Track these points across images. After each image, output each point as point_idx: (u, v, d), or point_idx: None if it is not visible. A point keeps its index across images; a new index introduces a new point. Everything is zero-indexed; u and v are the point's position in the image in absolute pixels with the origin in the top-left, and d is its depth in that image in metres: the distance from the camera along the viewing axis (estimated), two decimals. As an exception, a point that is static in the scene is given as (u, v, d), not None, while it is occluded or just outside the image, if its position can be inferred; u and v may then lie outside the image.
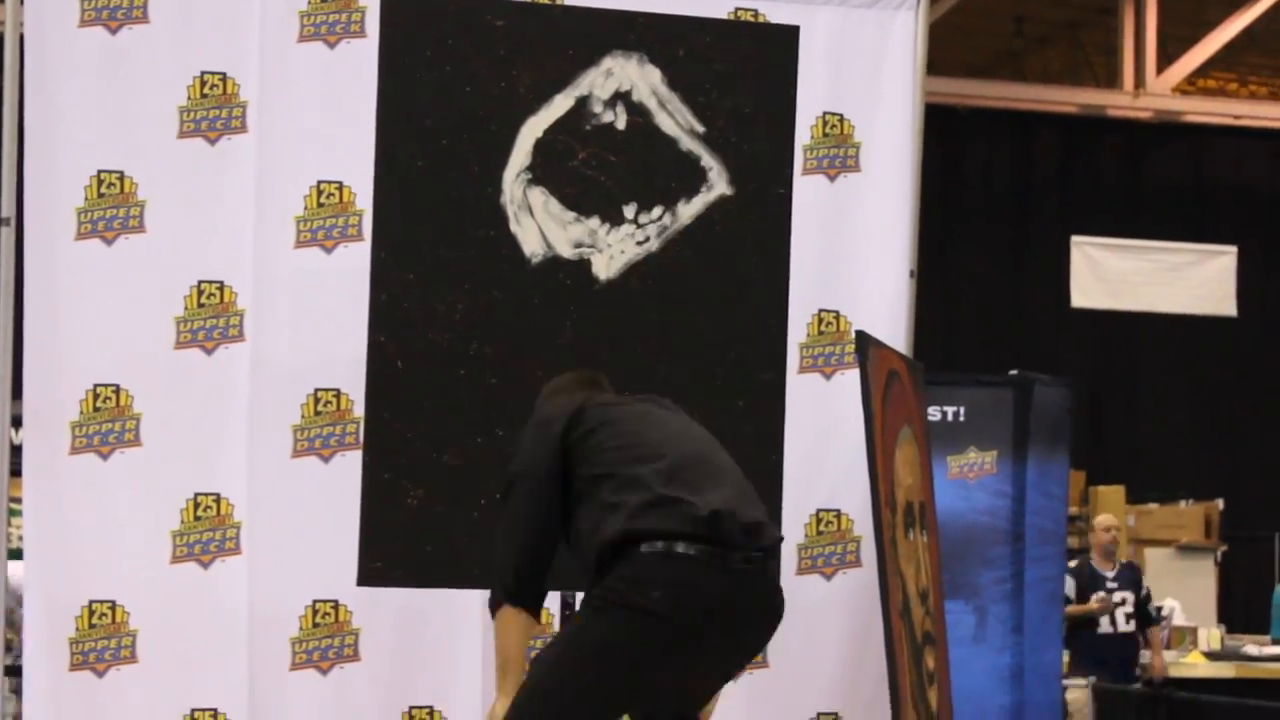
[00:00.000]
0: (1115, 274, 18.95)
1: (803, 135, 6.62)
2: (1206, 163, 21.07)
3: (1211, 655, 13.13)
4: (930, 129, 6.93)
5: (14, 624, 7.07)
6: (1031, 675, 8.81)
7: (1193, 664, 12.73)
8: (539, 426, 5.18)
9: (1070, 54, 22.57)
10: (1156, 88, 20.35)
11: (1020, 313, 20.41)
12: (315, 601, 6.28)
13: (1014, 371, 9.48)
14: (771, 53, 6.41)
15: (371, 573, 6.00)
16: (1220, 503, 17.90)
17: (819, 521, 6.68)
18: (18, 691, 6.83)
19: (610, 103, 6.24)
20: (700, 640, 4.82)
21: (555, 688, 4.80)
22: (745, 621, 4.91)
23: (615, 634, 4.80)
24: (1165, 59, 20.68)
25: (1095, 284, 18.89)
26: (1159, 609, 13.51)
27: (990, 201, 20.70)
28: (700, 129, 6.32)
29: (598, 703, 4.84)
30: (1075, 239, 19.05)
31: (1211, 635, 13.97)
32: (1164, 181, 20.96)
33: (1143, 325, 20.02)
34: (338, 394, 6.29)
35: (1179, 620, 14.29)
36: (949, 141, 18.92)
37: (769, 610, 4.98)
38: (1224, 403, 20.49)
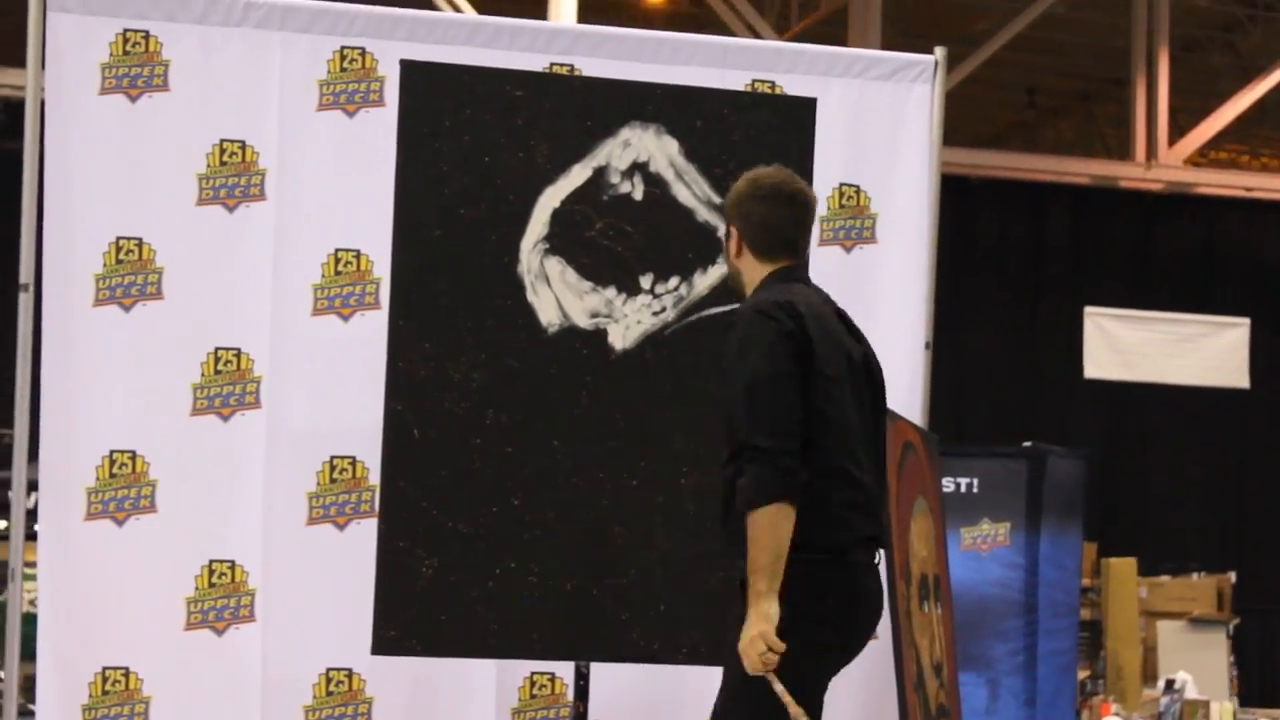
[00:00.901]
0: (1128, 345, 18.94)
1: (819, 206, 6.62)
2: (1218, 234, 21.09)
3: (1224, 729, 13.06)
4: (943, 199, 6.95)
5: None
6: (1044, 748, 8.79)
7: (1205, 738, 12.67)
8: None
9: (1082, 125, 22.65)
10: (1168, 159, 20.38)
11: (1033, 383, 20.39)
12: (329, 669, 6.28)
13: (1028, 443, 9.48)
14: (789, 124, 6.44)
15: (386, 641, 5.99)
16: (1233, 575, 17.84)
17: (833, 593, 6.66)
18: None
19: (628, 173, 6.27)
20: None
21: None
22: None
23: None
24: (1177, 131, 20.74)
25: (1108, 355, 18.87)
26: (1170, 681, 13.46)
27: (1002, 271, 20.71)
28: (717, 200, 6.33)
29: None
30: (1088, 310, 19.05)
31: (1224, 709, 13.89)
32: (1176, 253, 20.97)
33: (1155, 396, 20.00)
34: (353, 461, 6.30)
35: (1191, 694, 14.21)
36: (961, 211, 18.94)
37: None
38: (1236, 474, 20.45)
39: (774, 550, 4.78)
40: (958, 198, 17.93)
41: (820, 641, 4.98)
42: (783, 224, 5.18)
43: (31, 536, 6.40)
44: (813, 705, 4.96)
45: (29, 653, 6.38)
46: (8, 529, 9.74)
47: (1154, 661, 16.43)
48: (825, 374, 4.96)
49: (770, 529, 4.78)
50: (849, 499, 4.97)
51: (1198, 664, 15.39)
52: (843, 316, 5.22)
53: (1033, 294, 20.73)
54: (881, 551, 5.17)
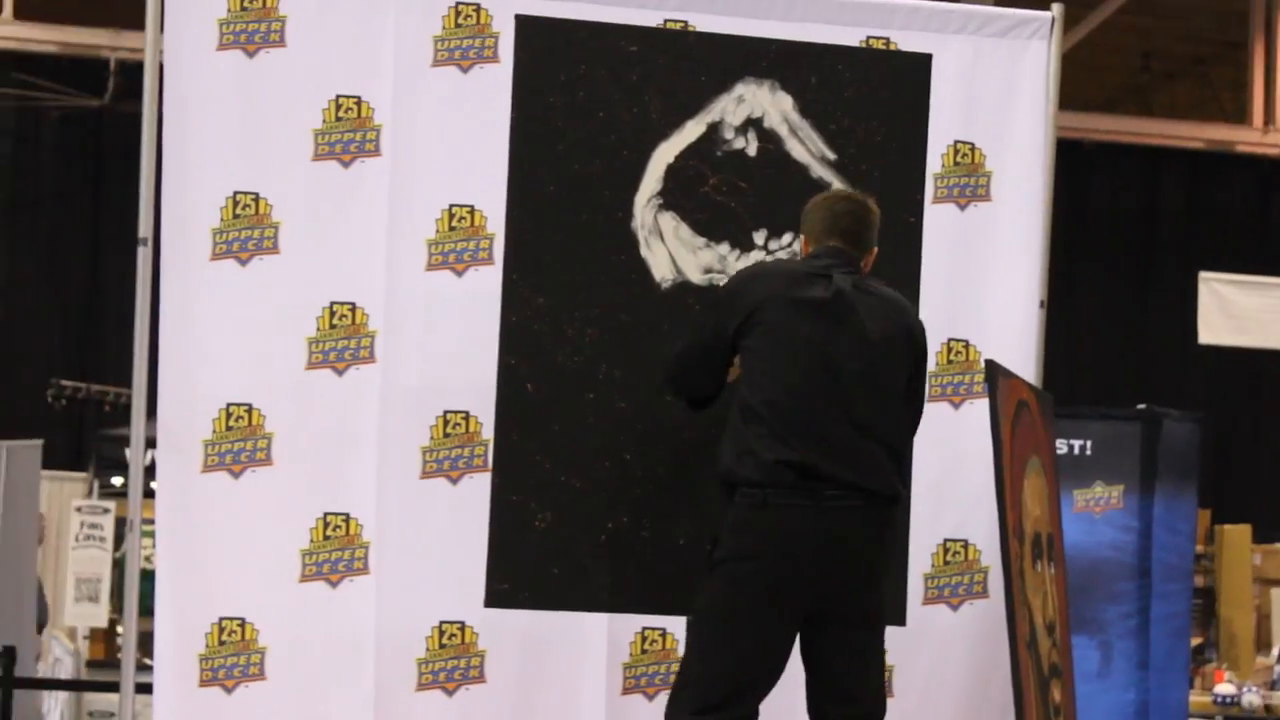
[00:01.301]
0: (1243, 310, 18.74)
1: (934, 164, 6.60)
2: (1337, 199, 20.85)
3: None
4: (1056, 163, 6.89)
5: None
6: (1157, 713, 8.71)
7: (1319, 704, 12.55)
8: None
9: (1198, 89, 22.41)
10: (1286, 124, 20.16)
11: (1146, 348, 20.26)
12: (442, 622, 6.31)
13: (1142, 406, 9.40)
14: (904, 81, 6.41)
15: (498, 594, 6.03)
16: (1347, 542, 17.67)
17: (946, 551, 6.65)
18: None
19: (742, 129, 6.26)
20: None
21: None
22: None
23: None
24: (1295, 95, 20.50)
25: (1222, 320, 18.69)
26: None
27: (1116, 236, 20.57)
28: (831, 156, 6.32)
29: None
30: (1203, 275, 18.87)
31: (1336, 676, 13.76)
32: (1293, 218, 20.75)
33: (1270, 363, 19.81)
34: (466, 416, 6.32)
35: (1304, 661, 14.09)
36: (1075, 176, 18.81)
37: None
38: (1352, 442, 20.24)
39: None
40: (1071, 162, 17.79)
41: (741, 576, 5.45)
42: (835, 215, 5.81)
43: (149, 494, 6.46)
44: (740, 642, 5.44)
45: (146, 609, 6.46)
46: (126, 485, 9.87)
47: (1267, 629, 16.32)
48: (761, 328, 5.55)
49: None
50: (768, 433, 5.46)
51: (1312, 631, 15.27)
52: (865, 288, 5.71)
53: (1146, 259, 20.59)
54: (867, 496, 5.50)
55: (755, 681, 5.52)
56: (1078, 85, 18.88)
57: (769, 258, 6.08)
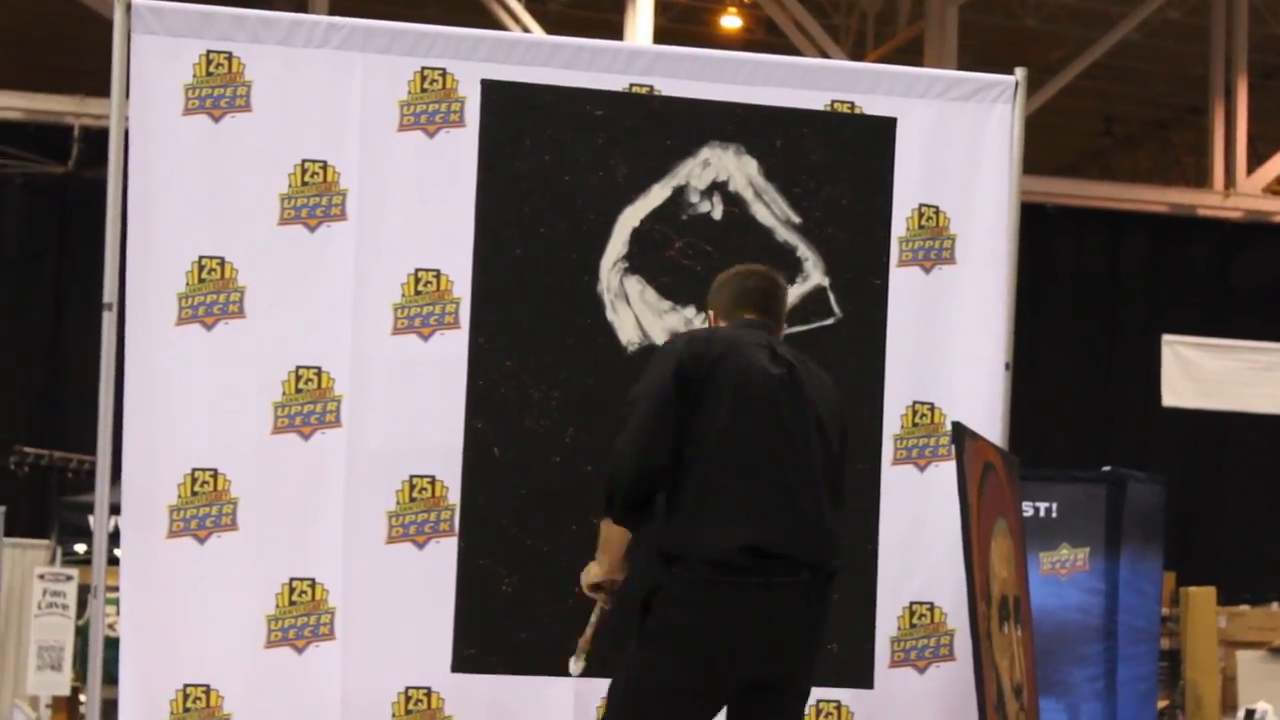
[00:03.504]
0: (1206, 373, 18.82)
1: (898, 227, 6.63)
2: (1297, 262, 20.96)
3: (1305, 759, 12.94)
4: (1020, 226, 6.91)
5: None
6: (1125, 775, 8.72)
7: (1287, 769, 12.55)
8: None
9: (1160, 153, 22.56)
10: (1247, 187, 20.27)
11: (1110, 411, 20.31)
12: (409, 688, 6.27)
13: (1107, 468, 9.42)
14: (868, 144, 6.46)
15: (465, 659, 6.03)
16: (1313, 605, 17.69)
17: (912, 614, 6.64)
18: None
19: (707, 193, 6.29)
20: None
21: None
22: None
23: None
24: (1256, 159, 20.64)
25: (1186, 383, 18.76)
26: (1251, 711, 13.36)
27: (1080, 299, 20.64)
28: (796, 220, 6.35)
29: None
30: (1166, 338, 18.95)
31: (1305, 739, 13.78)
32: (1254, 281, 20.86)
33: (1233, 425, 19.87)
34: (433, 480, 6.31)
35: (1272, 724, 14.10)
36: (1038, 239, 18.90)
37: None
38: (1316, 503, 20.29)
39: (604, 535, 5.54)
40: (1035, 225, 17.88)
41: (684, 651, 5.35)
42: (747, 290, 5.71)
43: (113, 561, 6.42)
44: (675, 715, 5.40)
45: (110, 676, 6.41)
46: (89, 552, 9.80)
47: (1233, 691, 16.30)
48: (719, 397, 5.39)
49: (605, 527, 5.53)
50: (724, 511, 5.35)
51: (1278, 694, 15.26)
52: (803, 361, 5.63)
53: (1110, 322, 20.65)
54: (812, 571, 5.43)
55: None
56: (1041, 149, 19.01)
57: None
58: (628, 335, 6.13)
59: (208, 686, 6.20)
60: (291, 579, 6.26)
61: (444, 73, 6.42)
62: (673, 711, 5.41)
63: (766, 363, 5.50)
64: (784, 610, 5.42)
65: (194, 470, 6.24)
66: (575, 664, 5.66)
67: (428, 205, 6.40)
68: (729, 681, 5.44)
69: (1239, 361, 18.99)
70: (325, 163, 6.37)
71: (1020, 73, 6.87)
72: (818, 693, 6.48)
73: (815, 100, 6.63)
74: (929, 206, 6.74)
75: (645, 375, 5.50)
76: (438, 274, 6.37)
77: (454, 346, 6.27)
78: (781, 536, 5.40)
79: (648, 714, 5.42)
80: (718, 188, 6.32)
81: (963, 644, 6.50)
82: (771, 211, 6.36)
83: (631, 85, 6.51)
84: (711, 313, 5.78)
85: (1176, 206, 20.63)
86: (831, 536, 5.53)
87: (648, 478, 5.42)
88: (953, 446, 6.18)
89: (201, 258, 6.29)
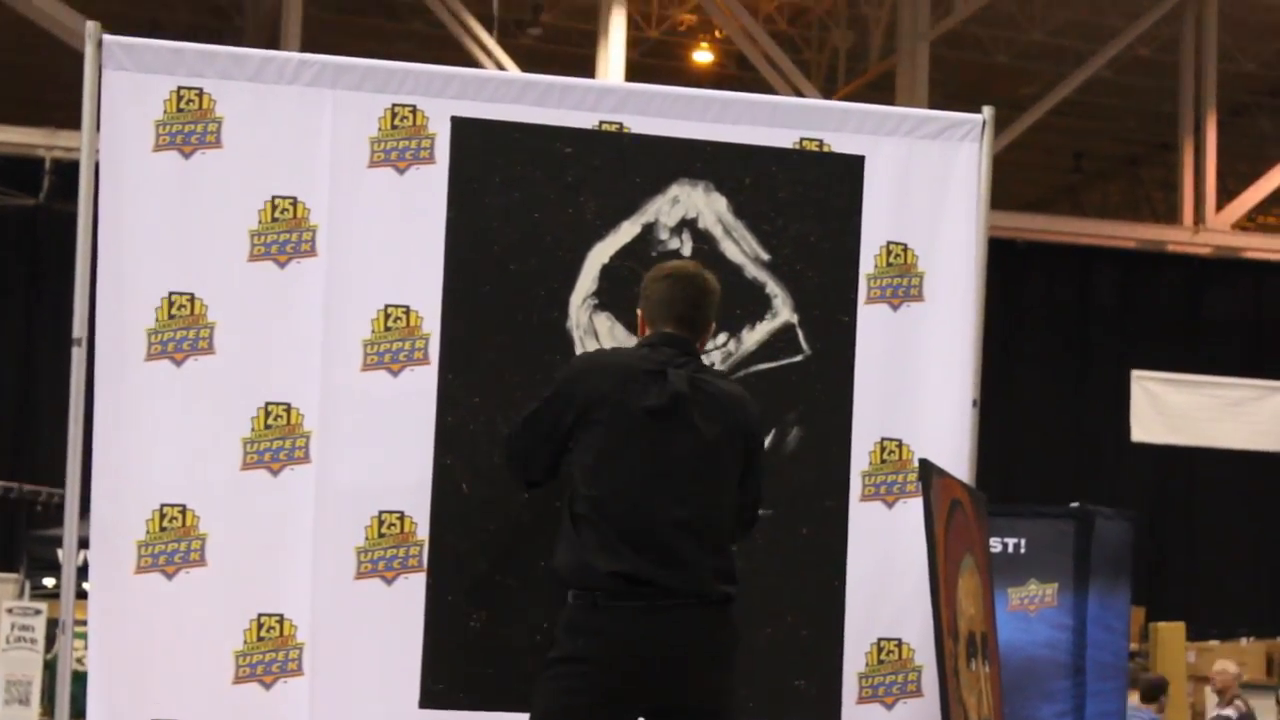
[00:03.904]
0: (1175, 409, 18.91)
1: (867, 264, 6.65)
2: (1266, 298, 21.06)
3: (1273, 794, 12.99)
4: (990, 262, 6.93)
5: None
6: (1094, 811, 8.74)
7: (1255, 804, 12.59)
8: None
9: (1129, 189, 22.66)
10: (1216, 224, 20.38)
11: (1079, 446, 20.37)
12: (377, 724, 6.27)
13: (1075, 504, 9.45)
14: (837, 182, 6.49)
15: (433, 695, 6.04)
16: (1282, 640, 17.75)
17: (880, 650, 6.65)
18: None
19: (676, 229, 6.32)
20: None
21: None
22: None
23: None
24: (1225, 195, 20.75)
25: (1155, 418, 18.84)
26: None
27: (1050, 335, 20.71)
28: (765, 256, 6.38)
29: None
30: (1136, 374, 19.03)
31: (1273, 774, 13.81)
32: (1224, 317, 20.95)
33: (1202, 460, 19.94)
34: (402, 516, 6.31)
35: (1240, 758, 14.14)
36: (1008, 275, 18.98)
37: None
38: (1285, 539, 20.35)
39: None
40: (1005, 261, 17.96)
41: (572, 677, 5.43)
42: (673, 300, 5.72)
43: (82, 595, 6.41)
44: None
45: (78, 711, 6.40)
46: (57, 586, 9.79)
47: (1202, 727, 16.35)
48: (598, 429, 5.53)
49: None
50: (598, 539, 5.46)
51: (1247, 729, 15.31)
52: (700, 386, 5.63)
53: (1080, 357, 20.72)
54: (699, 598, 5.50)
55: None
56: (1011, 185, 19.09)
57: (703, 357, 6.04)
58: (597, 372, 6.13)
59: (176, 722, 6.20)
60: (260, 614, 6.25)
61: (414, 109, 6.43)
62: None
63: (652, 393, 5.55)
64: (671, 635, 5.46)
65: (163, 506, 6.23)
66: None
67: (398, 241, 6.41)
68: (627, 708, 5.48)
69: (1208, 397, 19.08)
70: (295, 199, 6.38)
71: (988, 111, 6.91)
72: (786, 729, 6.50)
73: (784, 138, 6.66)
74: (897, 244, 6.77)
75: (546, 390, 5.70)
76: (407, 310, 6.38)
77: (423, 382, 6.28)
78: (650, 569, 5.45)
79: None
80: (687, 225, 6.35)
81: (930, 680, 6.51)
82: (740, 248, 6.39)
83: (601, 123, 6.53)
84: (640, 314, 5.82)
85: (1146, 242, 20.73)
86: (707, 565, 5.54)
87: (528, 483, 5.85)
88: (920, 483, 6.20)
89: (171, 293, 6.29)
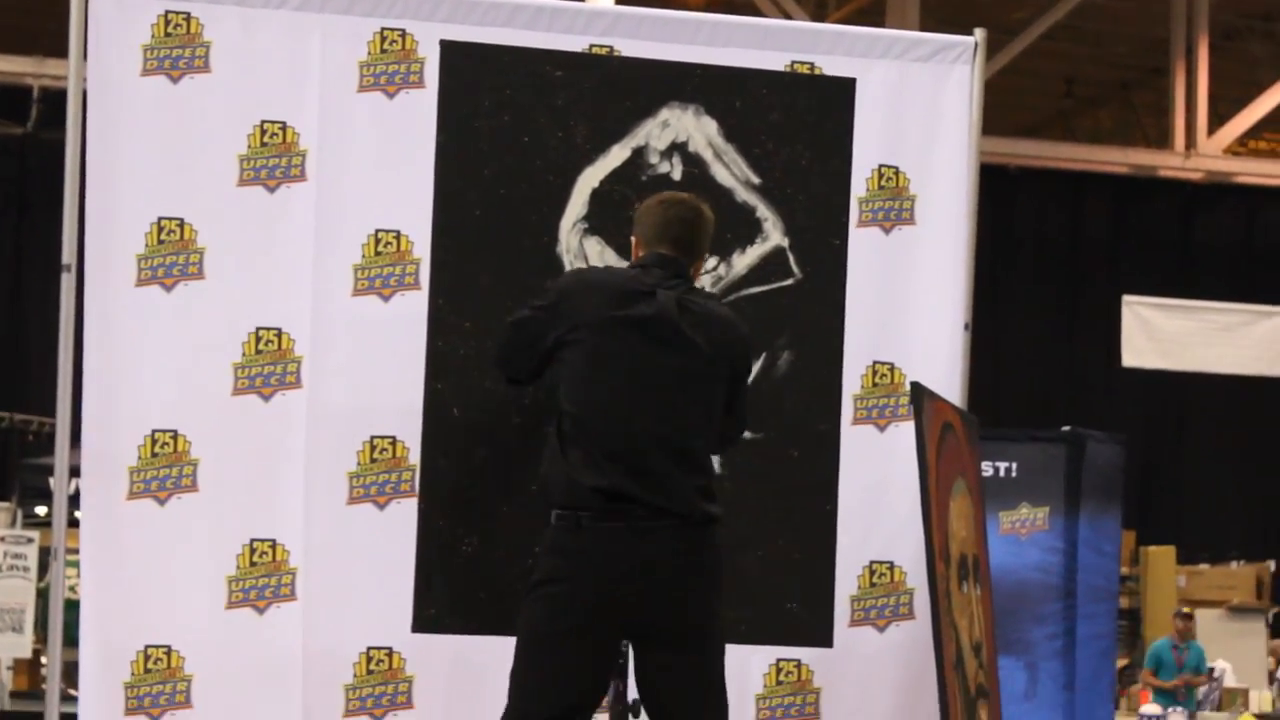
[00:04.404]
0: (1166, 334, 18.92)
1: (858, 187, 6.63)
2: (1258, 223, 21.07)
3: (1263, 717, 13.06)
4: (981, 188, 6.91)
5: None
6: (1083, 732, 8.77)
7: (1244, 726, 12.67)
8: None
9: (1121, 115, 22.61)
10: (1208, 149, 20.35)
11: (1070, 371, 20.39)
12: (370, 648, 6.28)
13: (1066, 428, 9.47)
14: (828, 105, 6.47)
15: (426, 620, 6.06)
16: (1272, 564, 17.82)
17: (872, 573, 6.67)
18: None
19: (667, 153, 6.30)
20: None
21: None
22: None
23: None
24: (1216, 120, 20.70)
25: (1146, 343, 18.86)
26: (1210, 669, 13.47)
27: (1041, 260, 20.70)
28: (756, 180, 6.36)
29: None
30: (1126, 299, 19.04)
31: (1263, 697, 13.90)
32: (1215, 242, 20.95)
33: (1193, 385, 19.97)
34: (393, 441, 6.31)
35: (1230, 682, 14.21)
36: (1000, 201, 18.96)
37: None
38: (1275, 463, 20.40)
39: None
40: (996, 187, 17.94)
41: (554, 598, 5.45)
42: (668, 222, 5.68)
43: (74, 523, 6.41)
44: (556, 666, 5.46)
45: (71, 638, 6.41)
46: (49, 515, 9.82)
47: (1193, 650, 16.41)
48: (582, 346, 5.52)
49: None
50: (582, 456, 5.46)
51: (1236, 652, 15.38)
52: (689, 306, 5.61)
53: (1071, 282, 20.73)
54: (681, 518, 5.49)
55: (572, 706, 5.52)
56: (1002, 111, 19.03)
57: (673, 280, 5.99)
58: (588, 296, 6.12)
59: (169, 647, 6.20)
60: (252, 540, 6.26)
61: (404, 33, 6.40)
62: (554, 660, 5.46)
63: (639, 312, 5.54)
64: (650, 554, 5.45)
65: (154, 432, 6.23)
66: None
67: (387, 166, 6.39)
68: (610, 630, 5.49)
69: (1199, 322, 19.09)
70: (285, 124, 6.35)
71: (980, 34, 6.88)
72: (777, 651, 6.52)
73: (775, 61, 6.63)
74: (889, 167, 6.75)
75: (535, 300, 5.68)
76: (398, 235, 6.37)
77: (414, 307, 6.27)
78: (633, 486, 5.46)
79: (533, 664, 5.49)
80: (677, 148, 6.33)
81: (922, 603, 6.53)
82: (731, 172, 6.37)
83: (591, 46, 6.51)
84: (635, 238, 5.80)
85: (1138, 168, 20.70)
86: (690, 485, 5.54)
87: (511, 380, 5.85)
88: (912, 407, 6.20)
89: (161, 219, 6.27)
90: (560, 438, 5.52)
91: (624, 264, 6.13)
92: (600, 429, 5.49)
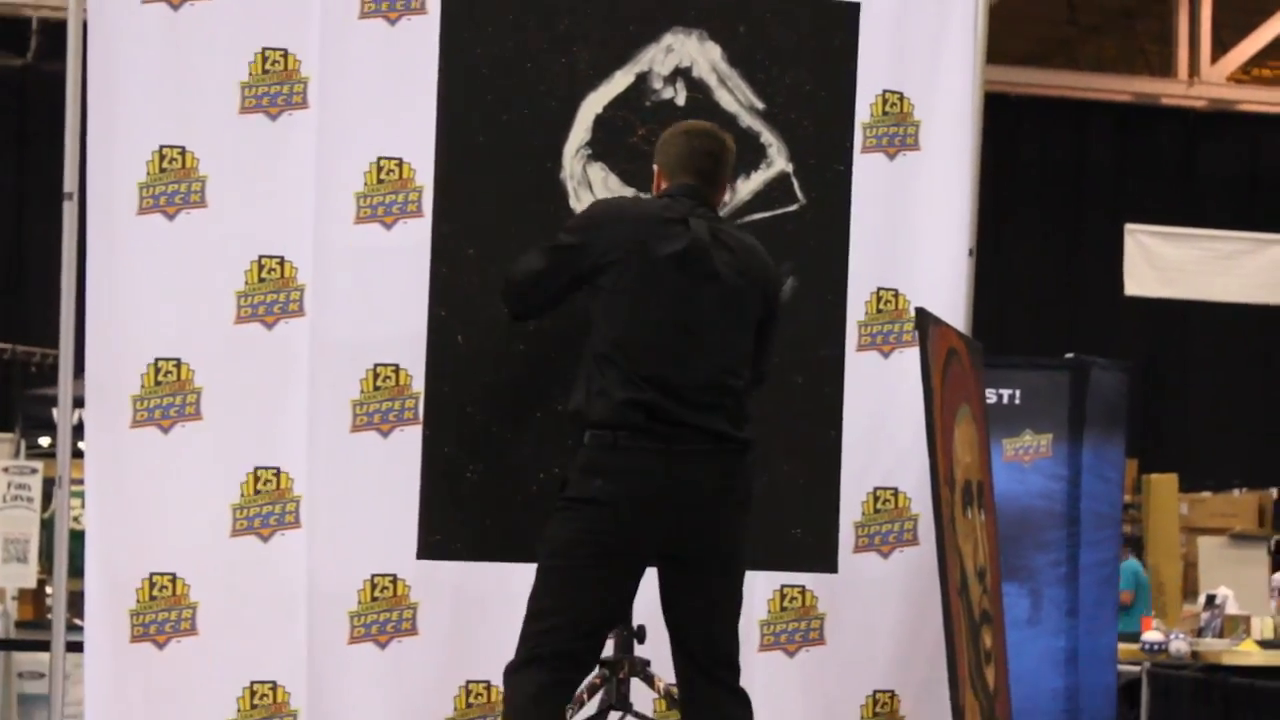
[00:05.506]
0: (1169, 262, 18.86)
1: (862, 113, 6.61)
2: (1262, 151, 21.00)
3: (1265, 644, 13.07)
4: (984, 116, 6.89)
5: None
6: (1086, 659, 8.79)
7: (1246, 652, 12.67)
8: None
9: (1124, 42, 22.50)
10: (1211, 76, 20.28)
11: (1073, 300, 20.37)
12: (374, 575, 6.29)
13: (1070, 355, 9.45)
14: (832, 30, 6.44)
15: (430, 546, 6.06)
16: (1274, 491, 17.82)
17: (876, 500, 6.67)
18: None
19: (670, 79, 6.27)
20: None
21: None
22: None
23: None
24: (1220, 48, 20.61)
25: (1149, 272, 18.80)
26: (1211, 596, 13.47)
27: (1044, 189, 20.65)
28: (760, 105, 6.33)
29: None
30: (1129, 227, 18.97)
31: (1265, 624, 13.90)
32: (1218, 170, 20.89)
33: (1196, 313, 19.95)
34: (397, 369, 6.30)
35: (1232, 609, 14.21)
36: (1002, 128, 18.88)
37: None
38: (1277, 391, 20.39)
39: None
40: (999, 115, 17.85)
41: (587, 518, 5.45)
42: (692, 152, 5.72)
43: (77, 454, 6.41)
44: (582, 585, 5.46)
45: (76, 569, 6.42)
46: (53, 445, 9.81)
47: (1194, 577, 16.46)
48: (617, 272, 5.52)
49: None
50: (620, 376, 5.47)
51: (1238, 579, 15.37)
52: (719, 236, 5.66)
53: (1074, 211, 20.68)
54: (717, 440, 5.52)
55: (596, 625, 5.56)
56: (1005, 38, 18.94)
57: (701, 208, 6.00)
58: (591, 222, 6.10)
59: (174, 575, 6.21)
60: (256, 468, 6.26)
61: (406, -42, 6.37)
62: (583, 579, 5.48)
63: (675, 240, 5.56)
64: (685, 478, 5.47)
65: (157, 360, 6.22)
66: None
67: (389, 93, 6.36)
68: (633, 554, 5.51)
69: (1202, 250, 19.03)
70: (286, 50, 6.32)
71: (984, -44, 6.85)
72: (781, 577, 6.53)
73: (779, -15, 6.60)
74: (893, 92, 6.72)
75: (567, 234, 5.69)
76: (400, 162, 6.34)
77: (417, 234, 6.25)
78: (670, 401, 5.48)
79: (561, 582, 5.49)
80: (681, 74, 6.30)
81: (926, 529, 6.53)
82: (735, 97, 6.34)
83: (594, -30, 6.47)
84: (657, 169, 5.81)
85: (1140, 95, 20.63)
86: (727, 409, 5.57)
87: (518, 314, 5.87)
88: (916, 333, 6.19)
89: (162, 147, 6.25)
90: (596, 360, 5.53)
91: (627, 190, 6.12)
92: (639, 353, 5.50)
